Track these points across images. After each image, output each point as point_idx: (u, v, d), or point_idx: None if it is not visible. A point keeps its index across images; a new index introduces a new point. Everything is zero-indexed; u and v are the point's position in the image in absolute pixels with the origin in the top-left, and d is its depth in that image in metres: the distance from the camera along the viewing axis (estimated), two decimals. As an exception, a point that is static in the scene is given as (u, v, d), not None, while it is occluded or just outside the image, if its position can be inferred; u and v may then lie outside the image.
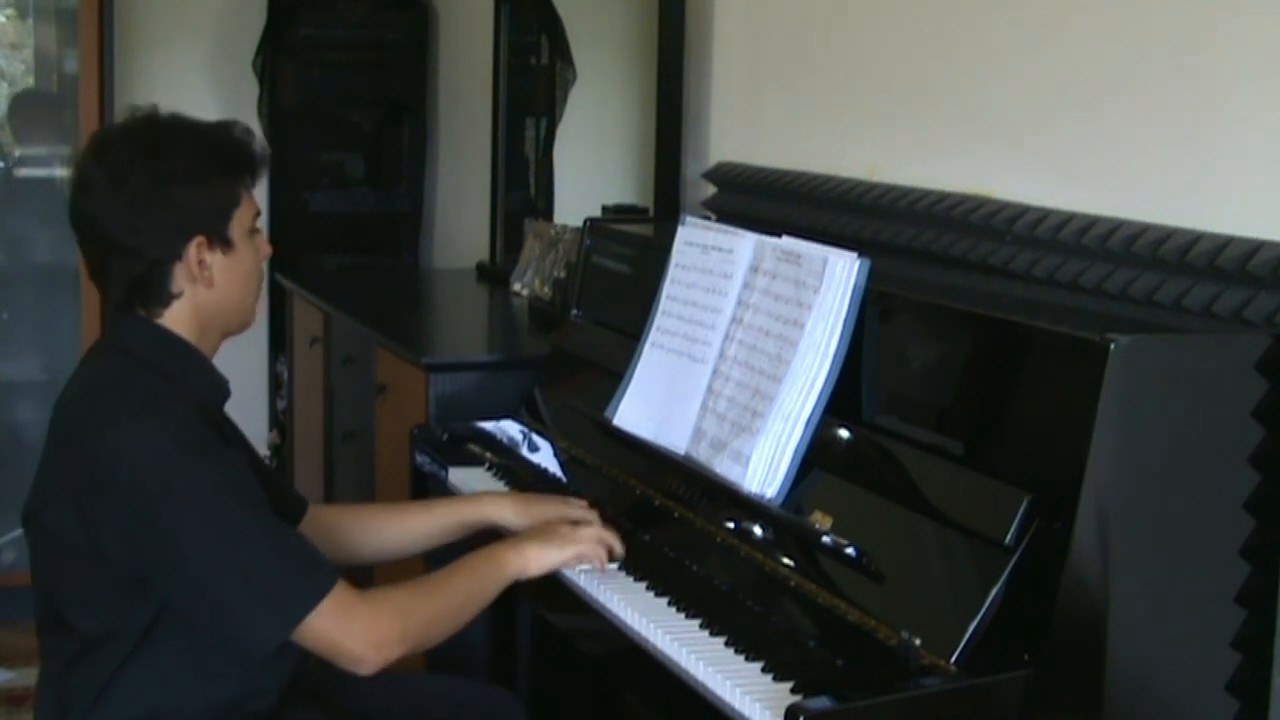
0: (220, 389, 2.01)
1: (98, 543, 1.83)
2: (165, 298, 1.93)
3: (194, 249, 1.91)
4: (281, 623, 1.83)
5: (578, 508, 2.26)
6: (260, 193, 2.06)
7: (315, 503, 2.30)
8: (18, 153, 4.48)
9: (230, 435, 1.99)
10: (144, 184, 1.88)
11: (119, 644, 1.87)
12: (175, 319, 1.95)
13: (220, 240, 1.94)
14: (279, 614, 1.83)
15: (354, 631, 1.85)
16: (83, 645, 1.89)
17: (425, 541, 2.30)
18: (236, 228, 1.96)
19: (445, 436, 2.77)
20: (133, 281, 1.92)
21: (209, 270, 1.93)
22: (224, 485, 1.84)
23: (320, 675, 2.12)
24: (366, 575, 3.13)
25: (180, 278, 1.93)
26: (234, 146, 1.97)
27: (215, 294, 1.95)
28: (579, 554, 2.10)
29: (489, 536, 2.27)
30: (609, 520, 2.22)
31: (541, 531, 2.14)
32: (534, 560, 2.07)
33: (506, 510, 2.27)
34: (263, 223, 2.07)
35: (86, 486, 1.82)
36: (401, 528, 2.28)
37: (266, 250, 2.05)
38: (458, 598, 1.99)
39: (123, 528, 1.81)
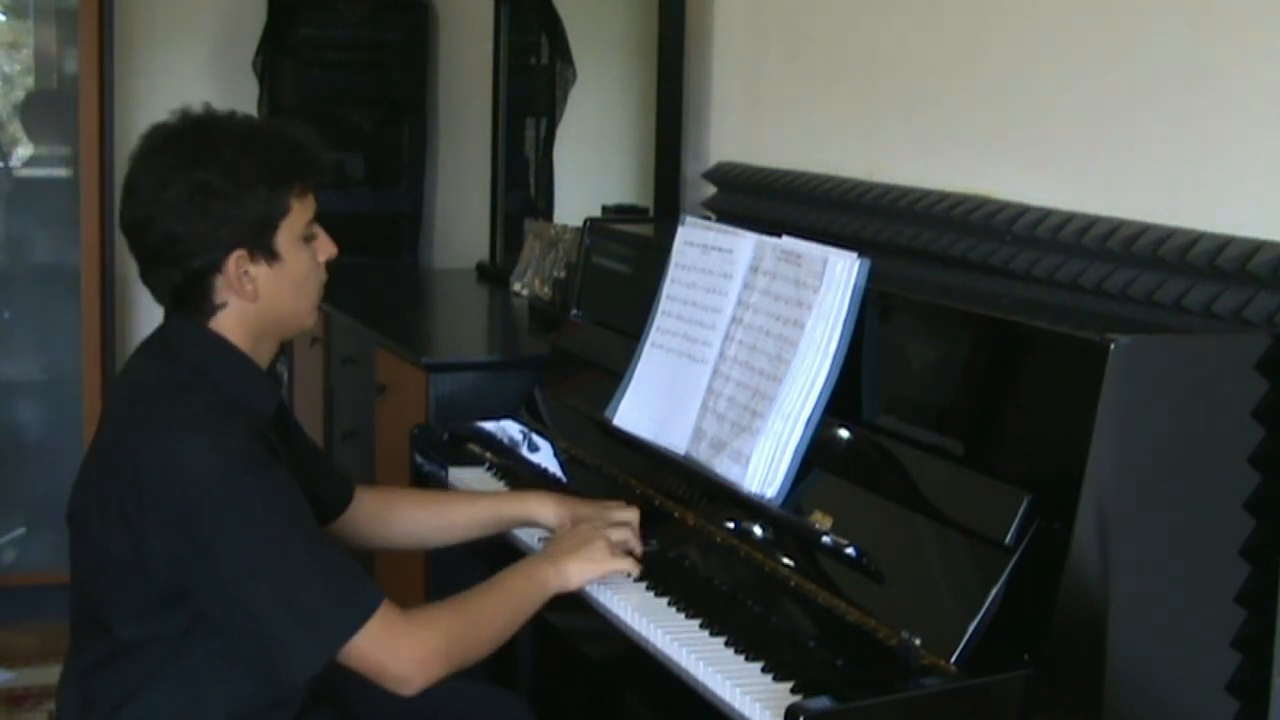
0: (271, 398, 1.97)
1: (141, 554, 1.81)
2: (209, 307, 1.89)
3: (233, 262, 1.86)
4: (321, 650, 1.80)
5: (618, 509, 2.23)
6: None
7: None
8: (19, 153, 4.49)
9: (282, 444, 1.92)
10: (182, 194, 1.83)
11: (153, 651, 1.86)
12: (225, 326, 1.90)
13: (264, 253, 1.88)
14: (319, 641, 1.80)
15: (399, 653, 1.83)
16: (115, 649, 1.87)
17: (461, 534, 2.29)
18: (284, 237, 1.89)
19: (445, 436, 2.77)
20: (174, 290, 1.89)
21: (252, 283, 1.88)
22: (270, 508, 1.80)
23: (334, 679, 2.11)
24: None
25: (222, 289, 1.88)
26: (283, 151, 1.90)
27: (260, 306, 1.90)
28: (617, 568, 2.08)
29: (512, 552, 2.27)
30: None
31: (577, 546, 2.10)
32: (575, 576, 2.05)
33: (549, 510, 2.26)
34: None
35: (134, 498, 1.80)
36: (442, 519, 2.28)
37: (329, 250, 1.98)
38: (502, 618, 1.96)
39: (167, 544, 1.79)
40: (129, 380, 1.97)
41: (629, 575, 2.09)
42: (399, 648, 1.83)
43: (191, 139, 1.87)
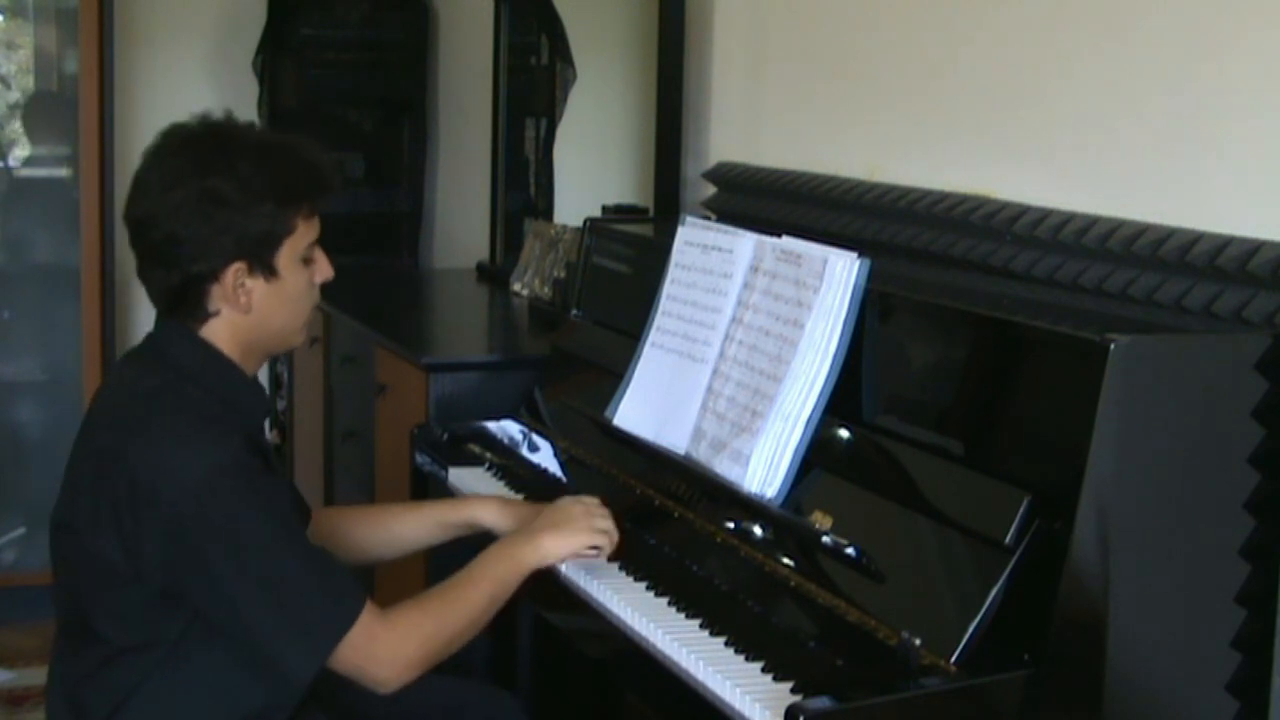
0: (262, 406, 1.99)
1: (135, 562, 1.81)
2: (202, 314, 1.90)
3: (231, 273, 1.88)
4: (313, 655, 1.83)
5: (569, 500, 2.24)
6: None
7: (315, 504, 2.30)
8: (19, 153, 4.49)
9: (271, 457, 1.95)
10: (190, 198, 1.84)
11: (148, 656, 1.86)
12: (215, 334, 1.91)
13: (263, 268, 1.89)
14: (310, 647, 1.83)
15: (378, 657, 1.86)
16: (109, 654, 1.87)
17: (414, 544, 2.30)
18: (285, 256, 1.90)
19: (445, 436, 2.77)
20: (169, 292, 1.90)
21: (247, 295, 1.89)
22: (263, 516, 1.82)
23: (326, 677, 2.11)
24: (366, 574, 3.13)
25: (216, 298, 1.89)
26: (297, 171, 1.91)
27: (253, 319, 1.91)
28: (593, 542, 2.09)
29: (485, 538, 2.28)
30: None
31: (554, 519, 2.11)
32: (551, 550, 2.06)
33: (492, 513, 2.26)
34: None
35: (128, 506, 1.80)
36: (391, 532, 2.28)
37: (326, 273, 1.99)
38: (479, 606, 1.98)
39: (160, 549, 1.80)
40: (119, 387, 1.96)
41: (600, 553, 2.10)
42: (379, 654, 1.86)
43: (208, 144, 1.88)
